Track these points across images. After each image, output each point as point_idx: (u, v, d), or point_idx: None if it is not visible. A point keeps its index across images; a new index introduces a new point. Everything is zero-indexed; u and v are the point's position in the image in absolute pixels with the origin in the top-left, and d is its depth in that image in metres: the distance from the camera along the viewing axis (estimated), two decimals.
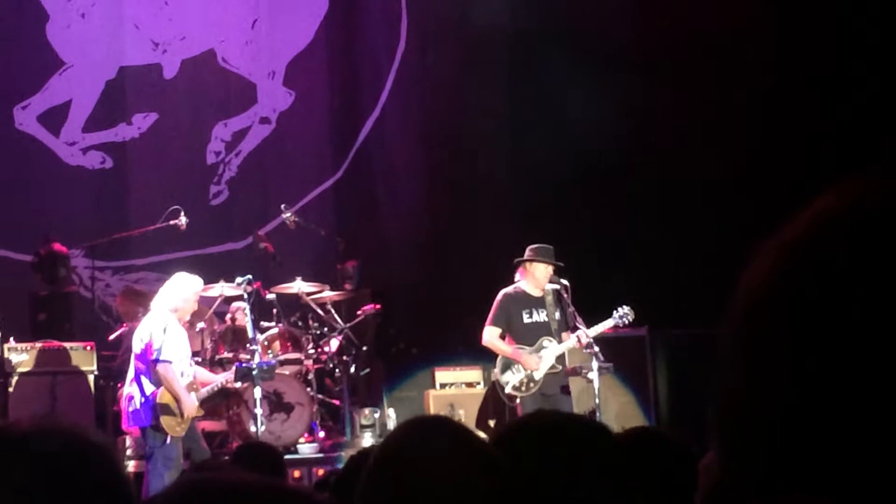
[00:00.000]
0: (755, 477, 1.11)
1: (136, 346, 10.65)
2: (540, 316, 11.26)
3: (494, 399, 11.84)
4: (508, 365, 11.31)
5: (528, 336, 11.25)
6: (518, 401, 11.22)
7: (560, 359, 11.24)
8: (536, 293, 11.31)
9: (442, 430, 2.46)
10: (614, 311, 11.31)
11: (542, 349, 11.19)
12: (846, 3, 14.04)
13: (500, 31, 15.32)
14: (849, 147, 13.38)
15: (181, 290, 10.78)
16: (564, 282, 11.30)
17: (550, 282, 11.26)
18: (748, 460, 1.11)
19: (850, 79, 13.89)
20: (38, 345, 12.22)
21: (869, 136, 12.95)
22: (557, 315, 11.22)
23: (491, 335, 11.36)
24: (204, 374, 11.18)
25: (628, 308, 11.29)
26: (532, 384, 11.18)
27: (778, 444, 1.08)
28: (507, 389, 11.29)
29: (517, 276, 11.44)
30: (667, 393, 13.56)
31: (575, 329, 11.13)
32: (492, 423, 11.93)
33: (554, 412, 2.82)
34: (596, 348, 11.00)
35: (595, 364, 10.96)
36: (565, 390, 11.24)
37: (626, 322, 11.39)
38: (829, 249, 1.10)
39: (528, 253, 11.37)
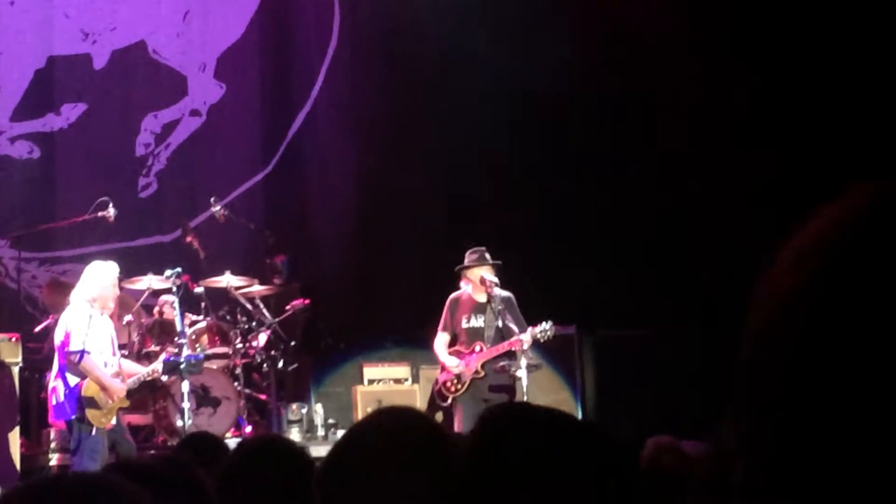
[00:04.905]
0: (778, 484, 1.10)
1: (57, 338, 10.59)
2: (478, 321, 11.38)
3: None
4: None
5: (467, 340, 11.41)
6: (449, 401, 11.35)
7: (487, 364, 11.28)
8: (481, 298, 11.40)
9: (409, 419, 2.49)
10: (535, 326, 11.24)
11: (473, 353, 11.30)
12: None
13: (433, 26, 15.32)
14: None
15: (97, 279, 10.69)
16: (507, 293, 11.34)
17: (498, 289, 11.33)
18: (772, 470, 1.11)
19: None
20: None
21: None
22: (498, 322, 11.24)
23: (437, 342, 11.56)
24: (130, 365, 11.10)
25: (550, 323, 11.25)
26: (460, 385, 11.31)
27: (807, 457, 1.08)
28: (436, 386, 11.50)
29: (462, 284, 11.55)
30: (594, 391, 13.65)
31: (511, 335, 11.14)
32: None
33: (530, 406, 2.83)
34: (525, 346, 11.06)
35: (523, 362, 11.01)
36: (496, 390, 11.25)
37: (548, 338, 11.35)
38: (855, 255, 1.10)
39: (465, 259, 11.48)
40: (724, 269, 13.23)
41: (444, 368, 11.51)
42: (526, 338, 11.02)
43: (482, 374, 11.27)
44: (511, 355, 11.16)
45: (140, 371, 10.97)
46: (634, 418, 10.99)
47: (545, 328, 11.18)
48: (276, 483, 3.70)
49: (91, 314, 10.50)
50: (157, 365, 11.01)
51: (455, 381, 11.37)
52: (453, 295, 11.59)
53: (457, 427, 11.18)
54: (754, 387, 1.13)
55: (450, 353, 11.44)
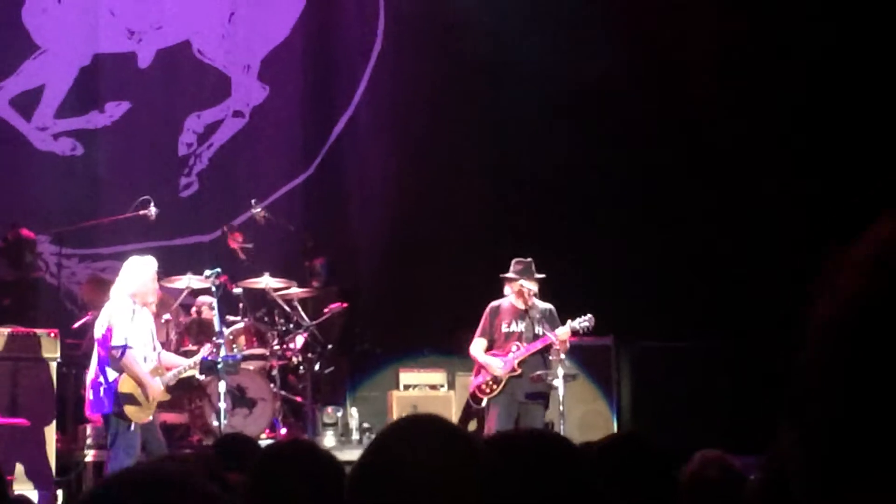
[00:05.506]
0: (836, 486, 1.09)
1: (98, 332, 10.59)
2: (518, 326, 11.45)
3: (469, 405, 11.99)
4: (480, 370, 11.49)
5: (505, 344, 11.44)
6: (484, 403, 11.39)
7: (523, 364, 11.30)
8: (521, 305, 11.47)
9: (436, 427, 2.47)
10: (577, 318, 11.37)
11: (510, 353, 11.32)
12: None
13: (477, 32, 15.30)
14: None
15: (136, 274, 10.71)
16: (549, 305, 11.43)
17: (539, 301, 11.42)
18: (827, 478, 1.09)
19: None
20: (2, 330, 12.09)
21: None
22: (538, 329, 11.30)
23: (475, 346, 11.60)
24: (170, 358, 11.09)
25: (589, 316, 11.36)
26: (495, 386, 11.32)
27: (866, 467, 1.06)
28: (471, 389, 11.55)
29: (506, 290, 11.60)
30: (630, 402, 13.60)
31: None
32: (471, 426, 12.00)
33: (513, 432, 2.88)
34: (562, 356, 11.08)
35: (560, 371, 11.03)
36: (532, 397, 11.30)
37: (586, 330, 11.44)
38: None
39: (510, 269, 11.52)
40: (763, 282, 13.16)
41: (478, 372, 11.53)
42: (563, 331, 11.11)
43: (519, 371, 11.30)
44: (548, 364, 11.19)
45: (180, 363, 10.98)
46: (671, 430, 10.92)
47: (583, 319, 11.26)
48: (302, 489, 3.69)
49: (133, 309, 10.53)
50: (198, 357, 11.01)
51: (490, 382, 11.40)
52: (494, 303, 11.64)
53: (489, 427, 11.19)
54: (816, 396, 1.12)
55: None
